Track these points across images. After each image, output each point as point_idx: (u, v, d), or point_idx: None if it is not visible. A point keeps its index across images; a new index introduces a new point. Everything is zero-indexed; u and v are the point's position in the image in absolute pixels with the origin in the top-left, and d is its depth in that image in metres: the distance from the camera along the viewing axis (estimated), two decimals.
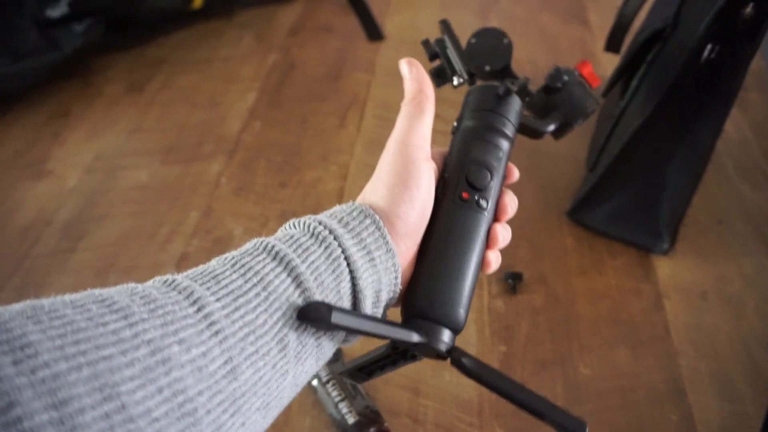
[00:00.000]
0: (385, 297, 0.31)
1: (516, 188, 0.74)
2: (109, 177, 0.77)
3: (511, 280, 0.62)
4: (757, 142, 0.80)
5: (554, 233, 0.68)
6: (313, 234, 0.28)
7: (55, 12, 0.91)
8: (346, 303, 0.29)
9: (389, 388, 0.54)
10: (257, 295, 0.25)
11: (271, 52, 0.98)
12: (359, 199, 0.33)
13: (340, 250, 0.28)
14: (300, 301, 0.26)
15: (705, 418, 0.52)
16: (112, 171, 0.78)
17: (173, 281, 0.24)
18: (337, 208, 0.31)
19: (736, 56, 0.51)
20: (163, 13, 0.99)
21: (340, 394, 0.52)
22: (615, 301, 0.61)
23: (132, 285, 0.24)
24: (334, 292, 0.28)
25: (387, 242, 0.30)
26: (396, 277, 0.31)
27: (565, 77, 0.37)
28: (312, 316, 0.26)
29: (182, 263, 0.66)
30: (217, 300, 0.24)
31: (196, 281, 0.25)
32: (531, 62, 0.94)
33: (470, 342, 0.58)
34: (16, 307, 0.20)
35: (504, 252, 0.65)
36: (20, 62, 0.87)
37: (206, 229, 0.69)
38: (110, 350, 0.20)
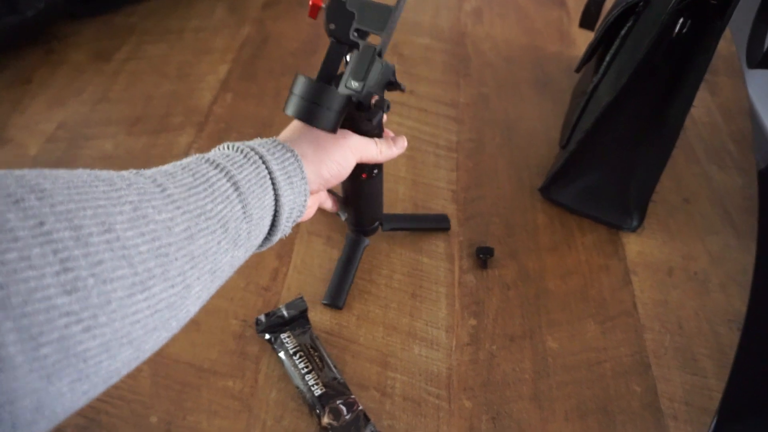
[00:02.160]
0: (295, 214, 0.39)
1: (491, 165, 0.74)
2: (72, 146, 0.74)
3: (482, 255, 0.61)
4: (726, 125, 0.81)
5: (527, 210, 0.68)
6: (246, 156, 0.35)
7: None
8: (269, 212, 0.36)
9: (357, 361, 0.54)
10: (204, 189, 0.31)
11: (245, 25, 0.96)
12: (282, 137, 0.41)
13: (267, 171, 0.35)
14: (237, 201, 0.32)
15: (668, 390, 0.53)
16: (75, 141, 0.75)
17: (138, 172, 0.30)
18: (262, 140, 0.38)
19: (706, 31, 0.51)
20: None
21: (307, 366, 0.51)
22: (584, 277, 0.61)
23: (108, 171, 0.29)
24: (260, 200, 0.34)
25: (302, 172, 0.38)
26: (305, 200, 0.38)
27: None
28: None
29: None
30: (176, 187, 0.30)
31: (156, 175, 0.30)
32: (506, 42, 0.94)
33: (440, 315, 0.57)
34: (23, 170, 0.24)
35: (476, 227, 0.65)
36: None
37: None
38: (104, 202, 0.25)
